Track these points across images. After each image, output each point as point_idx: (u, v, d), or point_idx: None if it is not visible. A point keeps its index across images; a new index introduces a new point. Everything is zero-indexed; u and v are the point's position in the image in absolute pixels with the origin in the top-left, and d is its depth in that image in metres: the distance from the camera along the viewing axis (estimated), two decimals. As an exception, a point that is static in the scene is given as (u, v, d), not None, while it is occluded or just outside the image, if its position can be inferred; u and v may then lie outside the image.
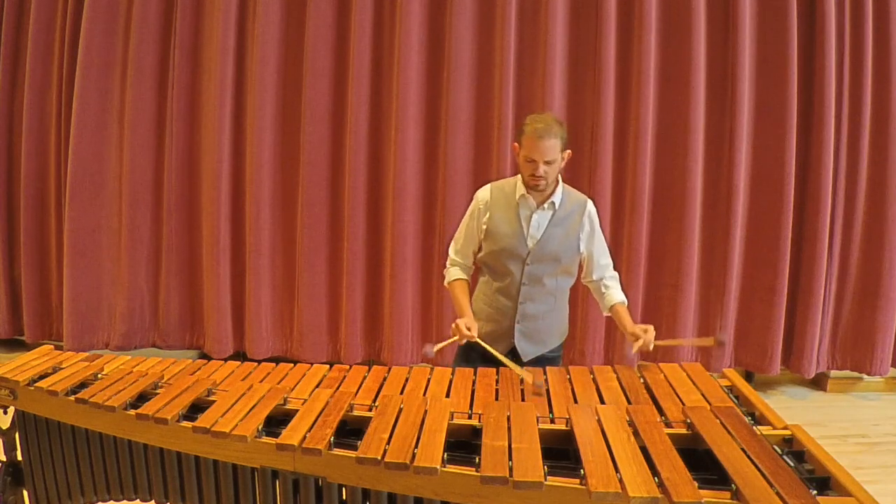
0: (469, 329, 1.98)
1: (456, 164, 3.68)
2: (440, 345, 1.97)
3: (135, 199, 3.85)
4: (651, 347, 1.96)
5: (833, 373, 3.97)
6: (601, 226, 2.21)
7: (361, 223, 3.77)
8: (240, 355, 3.90)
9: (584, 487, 1.25)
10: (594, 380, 1.80)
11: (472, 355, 2.10)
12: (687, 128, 3.63)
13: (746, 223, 3.77)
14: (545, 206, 2.09)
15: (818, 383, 4.05)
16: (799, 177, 3.69)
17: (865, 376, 3.92)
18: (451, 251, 2.27)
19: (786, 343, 3.83)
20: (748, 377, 3.91)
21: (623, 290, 2.23)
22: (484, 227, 2.14)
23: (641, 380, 1.80)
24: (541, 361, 2.18)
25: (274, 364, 1.97)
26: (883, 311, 3.76)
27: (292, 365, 1.95)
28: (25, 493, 2.03)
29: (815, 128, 3.66)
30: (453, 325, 2.01)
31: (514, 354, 2.16)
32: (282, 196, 3.83)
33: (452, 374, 1.85)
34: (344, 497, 1.48)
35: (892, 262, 3.73)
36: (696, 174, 3.66)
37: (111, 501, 1.88)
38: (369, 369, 1.90)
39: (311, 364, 1.96)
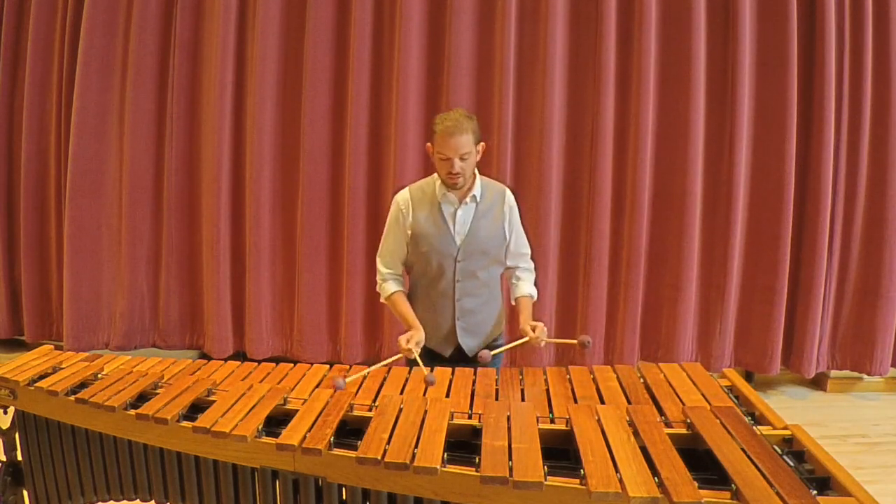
0: (409, 341, 1.95)
1: (456, 164, 3.68)
2: (378, 365, 1.89)
3: (135, 199, 3.85)
4: (542, 344, 2.00)
5: (833, 373, 3.97)
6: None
7: (361, 223, 3.77)
8: (240, 355, 3.90)
9: (584, 487, 1.25)
10: (594, 380, 1.80)
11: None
12: (687, 128, 3.63)
13: (746, 223, 3.77)
14: (467, 200, 2.07)
15: (818, 383, 4.05)
16: (799, 177, 3.69)
17: (865, 376, 3.91)
18: (379, 264, 2.19)
19: (786, 343, 3.83)
20: (748, 377, 3.91)
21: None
22: (409, 230, 2.11)
23: (641, 380, 1.79)
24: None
25: (274, 364, 1.97)
26: (883, 311, 3.75)
27: (292, 365, 1.95)
28: (25, 493, 2.03)
29: (815, 128, 3.65)
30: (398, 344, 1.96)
31: (459, 353, 2.15)
32: (282, 196, 3.83)
33: (452, 374, 1.85)
34: (344, 497, 1.48)
35: (892, 262, 3.72)
36: (696, 174, 3.66)
37: (111, 501, 1.88)
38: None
39: (311, 364, 1.95)
